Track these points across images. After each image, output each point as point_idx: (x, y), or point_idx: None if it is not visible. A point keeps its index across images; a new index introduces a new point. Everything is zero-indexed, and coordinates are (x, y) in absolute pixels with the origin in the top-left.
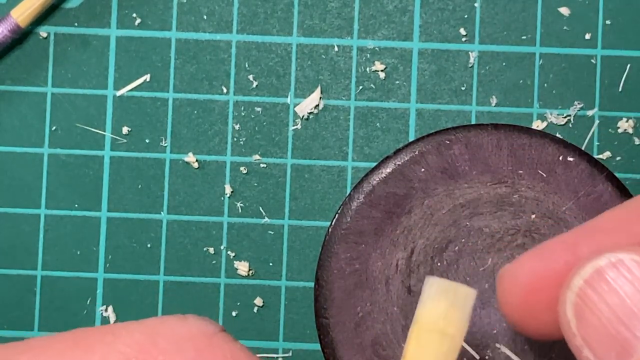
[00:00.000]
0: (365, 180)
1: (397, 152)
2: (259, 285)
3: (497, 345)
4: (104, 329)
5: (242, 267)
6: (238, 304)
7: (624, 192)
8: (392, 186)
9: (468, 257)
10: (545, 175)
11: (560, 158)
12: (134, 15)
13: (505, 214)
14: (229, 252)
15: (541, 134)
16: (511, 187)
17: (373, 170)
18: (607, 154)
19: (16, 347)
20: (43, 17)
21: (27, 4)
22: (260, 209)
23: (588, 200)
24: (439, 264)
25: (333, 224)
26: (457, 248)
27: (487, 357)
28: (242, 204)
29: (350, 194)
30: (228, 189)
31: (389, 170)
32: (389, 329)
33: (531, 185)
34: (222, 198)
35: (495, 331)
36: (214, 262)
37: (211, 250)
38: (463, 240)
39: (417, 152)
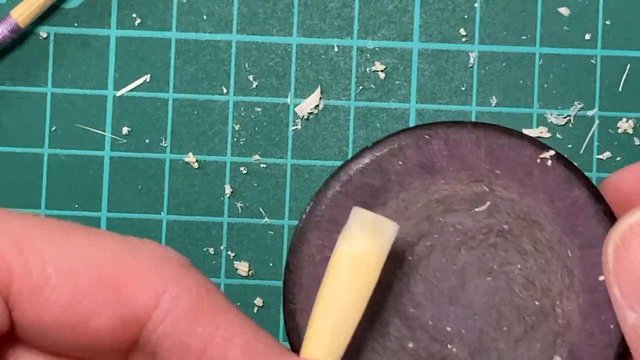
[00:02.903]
0: (342, 170)
1: (376, 144)
2: (259, 285)
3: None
4: (87, 230)
5: (242, 267)
6: (238, 304)
7: (599, 199)
8: (369, 177)
9: (439, 253)
10: (521, 177)
11: (538, 161)
12: (134, 15)
13: (479, 213)
14: (229, 252)
15: (520, 135)
16: (487, 187)
17: (351, 160)
18: (607, 154)
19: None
20: (43, 17)
21: (27, 4)
22: (260, 209)
23: (563, 205)
24: (409, 258)
25: (307, 210)
26: (429, 243)
27: (449, 352)
28: (242, 204)
29: (326, 182)
30: (228, 189)
31: (366, 161)
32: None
33: (507, 186)
34: (222, 198)
35: (460, 328)
36: (214, 262)
37: (211, 250)
38: (435, 236)
39: (396, 145)
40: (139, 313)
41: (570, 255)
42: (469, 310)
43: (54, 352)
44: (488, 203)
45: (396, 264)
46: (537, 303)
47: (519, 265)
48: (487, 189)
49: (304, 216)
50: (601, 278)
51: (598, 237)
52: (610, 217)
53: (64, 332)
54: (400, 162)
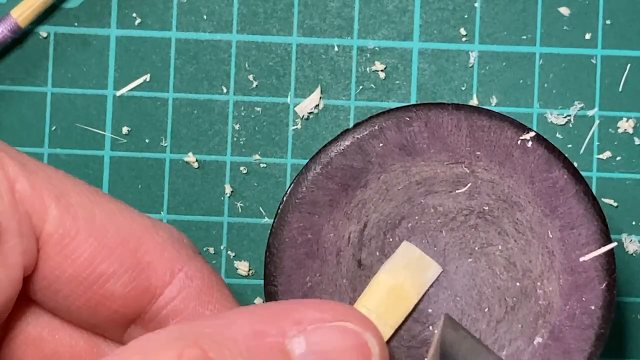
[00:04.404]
0: (323, 152)
1: (357, 125)
2: (259, 285)
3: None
4: (115, 199)
5: (242, 267)
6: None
7: (579, 180)
8: (350, 159)
9: (420, 235)
10: (502, 158)
11: (519, 142)
12: (134, 15)
13: (460, 194)
14: (229, 252)
15: (501, 117)
16: (468, 168)
17: (332, 142)
18: (607, 154)
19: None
20: (43, 17)
21: (27, 4)
22: (260, 209)
23: (543, 185)
24: (390, 240)
25: (288, 193)
26: (409, 225)
27: (431, 334)
28: (242, 204)
29: (307, 164)
30: (228, 189)
31: (347, 143)
32: (336, 300)
33: (488, 167)
34: (222, 198)
35: (441, 309)
36: (214, 262)
37: (211, 250)
38: (416, 217)
39: (376, 127)
40: (153, 285)
41: (551, 236)
42: (450, 292)
43: (60, 316)
44: (469, 184)
45: (377, 247)
46: (518, 284)
47: (499, 247)
48: (467, 171)
49: (284, 198)
50: (582, 259)
51: (578, 218)
52: (590, 198)
53: (79, 289)
54: (381, 144)
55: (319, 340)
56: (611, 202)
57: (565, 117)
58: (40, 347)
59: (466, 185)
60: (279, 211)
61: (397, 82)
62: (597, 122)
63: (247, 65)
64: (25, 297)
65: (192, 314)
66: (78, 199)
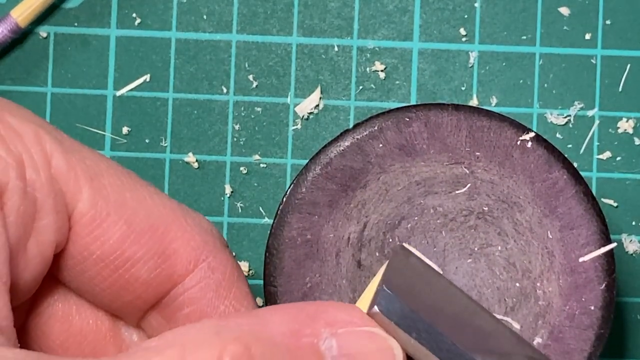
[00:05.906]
0: (322, 152)
1: (357, 126)
2: (259, 285)
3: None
4: (148, 184)
5: (242, 267)
6: None
7: (579, 180)
8: (350, 160)
9: (420, 236)
10: (502, 159)
11: (518, 142)
12: (134, 15)
13: (460, 195)
14: None
15: (501, 117)
16: (467, 169)
17: (331, 142)
18: (607, 154)
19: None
20: (43, 17)
21: (27, 4)
22: (260, 209)
23: (543, 186)
24: (390, 240)
25: (288, 193)
26: (409, 225)
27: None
28: (242, 204)
29: (307, 164)
30: (228, 189)
31: (347, 143)
32: (336, 301)
33: (487, 168)
34: (222, 198)
35: None
36: None
37: None
38: (416, 218)
39: (376, 128)
40: (177, 272)
41: (551, 236)
42: None
43: (83, 297)
44: (468, 185)
45: (377, 247)
46: (517, 285)
47: (499, 247)
48: (467, 171)
49: (284, 199)
50: (582, 259)
51: (578, 219)
52: (590, 199)
53: (105, 272)
54: (380, 144)
55: (349, 343)
56: (611, 202)
57: (565, 117)
58: (67, 324)
59: (466, 185)
60: (278, 211)
61: (397, 82)
62: (597, 122)
63: (247, 65)
64: (53, 274)
65: (207, 305)
66: (111, 180)
